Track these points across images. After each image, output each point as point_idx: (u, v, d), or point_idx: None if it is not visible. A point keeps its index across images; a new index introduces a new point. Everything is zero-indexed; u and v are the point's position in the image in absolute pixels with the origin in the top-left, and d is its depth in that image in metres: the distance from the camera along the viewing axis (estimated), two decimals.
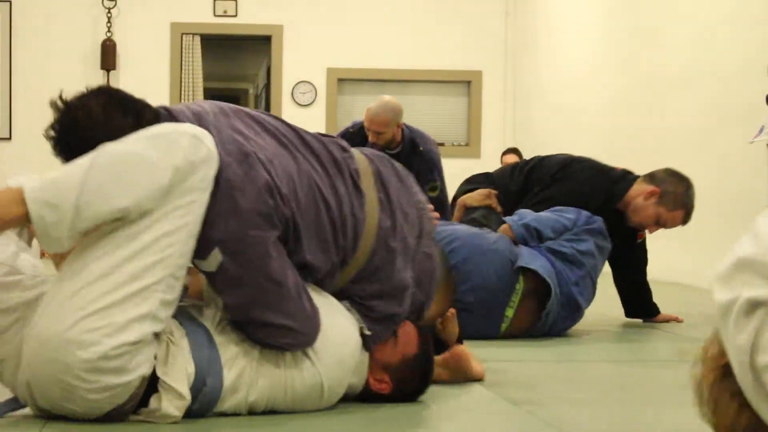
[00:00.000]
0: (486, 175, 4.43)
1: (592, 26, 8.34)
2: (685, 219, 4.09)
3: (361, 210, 2.21)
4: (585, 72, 8.42)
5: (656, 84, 6.99)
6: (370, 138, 5.69)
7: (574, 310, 3.75)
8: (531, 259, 3.69)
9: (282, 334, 2.11)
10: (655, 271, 6.80)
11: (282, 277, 2.09)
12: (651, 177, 4.08)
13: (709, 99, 6.18)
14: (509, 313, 3.66)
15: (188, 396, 2.05)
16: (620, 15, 7.75)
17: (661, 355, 3.50)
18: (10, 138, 9.51)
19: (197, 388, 2.07)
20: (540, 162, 4.29)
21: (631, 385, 2.87)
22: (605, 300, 4.29)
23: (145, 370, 2.02)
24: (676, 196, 4.02)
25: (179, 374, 2.05)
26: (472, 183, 4.35)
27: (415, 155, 5.71)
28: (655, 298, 4.33)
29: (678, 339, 3.89)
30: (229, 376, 2.10)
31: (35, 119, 9.42)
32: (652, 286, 4.36)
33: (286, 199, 2.08)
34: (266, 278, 2.07)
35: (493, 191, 4.14)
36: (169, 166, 1.96)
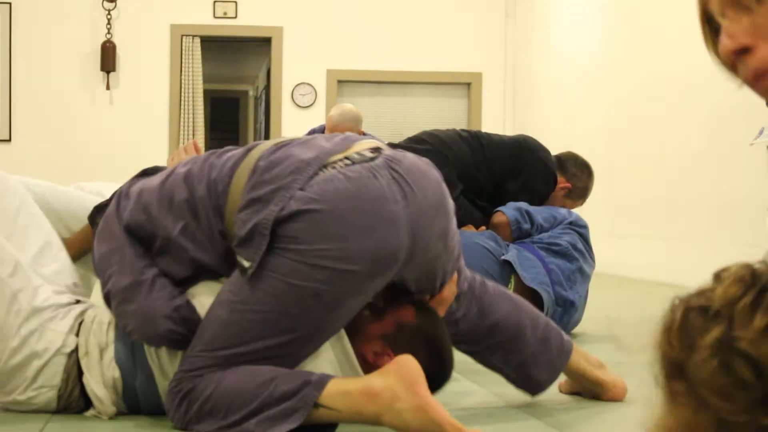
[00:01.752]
0: (441, 155, 4.09)
1: (592, 28, 8.34)
2: (581, 204, 4.42)
3: (227, 175, 2.12)
4: (585, 74, 8.42)
5: (656, 85, 6.99)
6: None
7: (567, 306, 3.73)
8: (522, 263, 3.66)
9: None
10: (654, 272, 6.81)
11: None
12: (563, 168, 4.30)
13: (709, 100, 6.18)
14: None
15: (106, 399, 2.12)
16: (620, 17, 7.76)
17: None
18: (10, 139, 9.51)
19: (130, 393, 2.14)
20: (492, 152, 4.21)
21: (631, 386, 2.87)
22: (605, 301, 4.28)
23: (60, 345, 2.13)
24: (582, 190, 4.34)
25: (97, 379, 2.13)
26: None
27: None
28: (652, 299, 4.32)
29: None
30: (160, 381, 2.13)
31: (35, 121, 9.50)
32: (654, 288, 4.37)
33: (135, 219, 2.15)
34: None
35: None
36: None
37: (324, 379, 1.93)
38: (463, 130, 4.27)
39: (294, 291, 1.96)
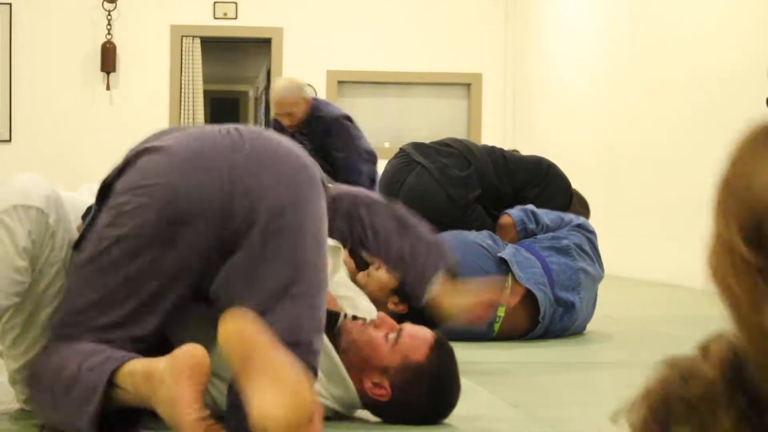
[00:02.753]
0: (465, 159, 4.20)
1: (592, 29, 8.34)
2: None
3: None
4: (585, 74, 8.42)
5: (656, 87, 7.00)
6: (284, 122, 5.67)
7: (568, 307, 3.72)
8: (519, 262, 3.65)
9: None
10: (654, 273, 6.81)
11: None
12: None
13: (709, 102, 6.18)
14: (501, 312, 3.59)
15: None
16: (620, 18, 7.76)
17: (660, 357, 3.50)
18: (10, 140, 9.51)
19: None
20: (515, 164, 4.29)
21: (632, 387, 2.87)
22: (605, 302, 4.28)
23: None
24: None
25: None
26: (450, 168, 4.16)
27: (317, 124, 5.67)
28: (653, 300, 4.34)
29: (675, 341, 3.89)
30: None
31: (35, 121, 9.50)
32: (653, 288, 4.38)
33: None
34: None
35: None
36: (17, 251, 1.96)
37: (126, 356, 1.86)
38: (486, 145, 4.41)
39: (97, 235, 1.97)
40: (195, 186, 1.92)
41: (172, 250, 1.92)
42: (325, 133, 5.68)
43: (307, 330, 1.89)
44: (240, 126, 2.06)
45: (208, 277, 1.95)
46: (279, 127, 5.69)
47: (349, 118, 5.82)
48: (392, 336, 2.11)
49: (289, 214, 1.92)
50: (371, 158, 5.77)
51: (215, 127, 2.05)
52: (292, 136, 5.66)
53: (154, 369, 1.79)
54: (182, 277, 1.94)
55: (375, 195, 2.44)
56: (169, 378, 1.75)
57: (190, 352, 1.79)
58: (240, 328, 1.71)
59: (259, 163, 1.96)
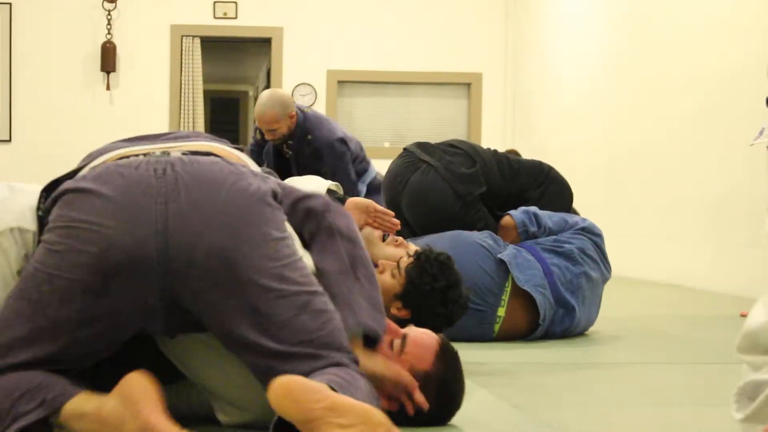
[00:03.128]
0: (470, 158, 4.22)
1: (592, 28, 8.34)
2: None
3: None
4: (585, 74, 8.42)
5: (656, 86, 7.00)
6: (267, 137, 5.49)
7: (569, 309, 3.71)
8: (519, 263, 3.64)
9: None
10: (654, 273, 6.81)
11: None
12: None
13: (709, 101, 6.18)
14: (501, 312, 3.60)
15: None
16: (620, 18, 7.76)
17: (660, 357, 3.50)
18: (10, 140, 9.51)
19: None
20: (519, 164, 4.31)
21: (632, 387, 2.87)
22: (605, 302, 4.28)
23: None
24: None
25: None
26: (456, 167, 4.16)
27: (305, 145, 5.41)
28: (652, 299, 4.33)
29: (675, 341, 3.89)
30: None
31: (35, 121, 9.50)
32: (651, 287, 4.38)
33: None
34: None
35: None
36: (12, 274, 1.98)
37: (63, 398, 1.83)
38: (490, 148, 4.42)
39: (32, 268, 1.91)
40: (127, 238, 1.85)
41: (105, 299, 1.86)
42: (315, 158, 5.49)
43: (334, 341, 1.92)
44: (177, 162, 1.95)
45: (151, 320, 1.91)
46: (262, 138, 5.60)
47: (343, 141, 5.48)
48: (397, 343, 2.09)
49: (233, 253, 1.87)
50: (360, 179, 5.63)
51: (151, 168, 1.93)
52: (277, 151, 5.56)
53: (106, 411, 1.77)
54: (117, 323, 1.89)
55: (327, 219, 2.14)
56: (129, 413, 1.75)
57: (135, 380, 1.78)
58: (287, 389, 1.69)
59: (193, 208, 1.88)
